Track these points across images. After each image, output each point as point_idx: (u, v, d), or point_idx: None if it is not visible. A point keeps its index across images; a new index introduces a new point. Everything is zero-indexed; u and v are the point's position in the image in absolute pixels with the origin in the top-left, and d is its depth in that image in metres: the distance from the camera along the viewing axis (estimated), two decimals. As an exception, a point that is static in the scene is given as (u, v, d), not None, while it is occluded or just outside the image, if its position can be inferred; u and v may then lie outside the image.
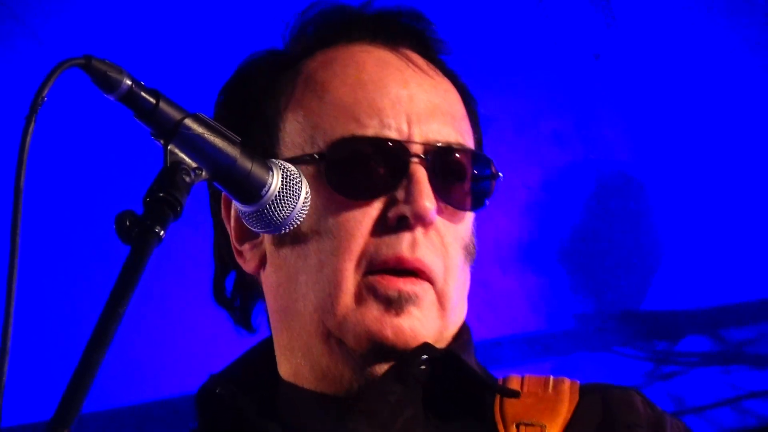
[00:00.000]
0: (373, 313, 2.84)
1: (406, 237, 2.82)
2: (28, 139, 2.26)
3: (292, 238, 2.91)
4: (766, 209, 6.48)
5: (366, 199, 2.87)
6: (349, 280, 2.87)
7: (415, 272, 2.84)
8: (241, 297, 3.13)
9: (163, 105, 2.46)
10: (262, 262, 3.00)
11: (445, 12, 5.22)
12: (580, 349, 6.76)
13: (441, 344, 2.98)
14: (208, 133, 2.56)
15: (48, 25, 5.80)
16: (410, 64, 3.03)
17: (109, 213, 2.38)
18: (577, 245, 6.41)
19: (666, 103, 6.34)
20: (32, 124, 2.26)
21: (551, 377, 3.00)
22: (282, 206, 2.68)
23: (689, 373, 6.83)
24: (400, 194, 2.84)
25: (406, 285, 2.82)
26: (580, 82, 6.38)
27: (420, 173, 2.84)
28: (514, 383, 2.96)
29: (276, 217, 2.69)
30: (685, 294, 6.55)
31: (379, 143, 2.89)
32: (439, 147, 2.90)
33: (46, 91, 2.29)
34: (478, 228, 3.09)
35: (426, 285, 2.85)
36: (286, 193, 2.68)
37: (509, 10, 6.05)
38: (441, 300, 2.89)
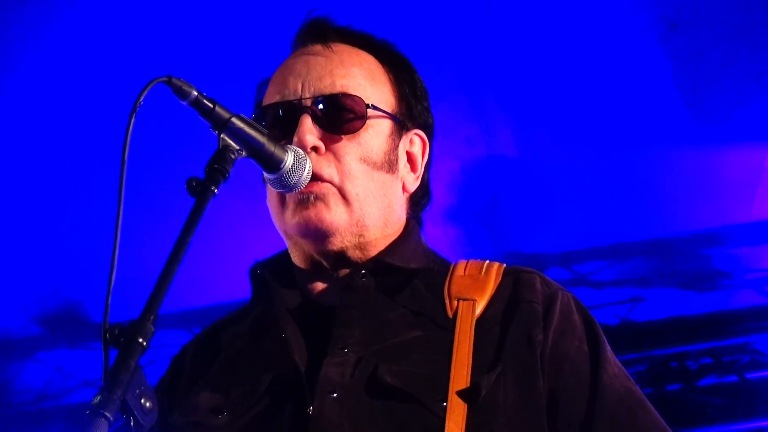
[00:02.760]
0: (294, 213, 3.16)
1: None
2: (130, 130, 2.61)
3: (265, 182, 3.26)
4: (607, 181, 6.92)
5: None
6: (279, 195, 3.23)
7: (318, 179, 3.12)
8: None
9: (217, 108, 2.80)
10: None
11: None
12: None
13: (370, 235, 3.28)
14: (246, 127, 2.87)
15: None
16: (311, 52, 3.33)
17: (180, 178, 2.71)
18: (476, 204, 6.99)
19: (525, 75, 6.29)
20: (132, 120, 2.61)
21: (487, 261, 3.23)
22: (293, 175, 3.03)
23: None
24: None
25: (312, 188, 3.10)
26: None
27: (304, 117, 3.17)
28: (460, 267, 3.21)
29: (289, 182, 3.04)
30: (549, 240, 7.33)
31: (280, 104, 3.26)
32: (323, 96, 3.21)
33: (141, 99, 2.63)
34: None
35: (327, 185, 3.14)
36: (296, 167, 3.03)
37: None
38: (343, 195, 3.18)
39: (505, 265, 3.24)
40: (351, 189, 3.20)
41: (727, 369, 7.94)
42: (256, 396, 3.10)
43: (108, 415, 2.27)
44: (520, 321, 3.08)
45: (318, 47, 3.34)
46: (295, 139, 3.14)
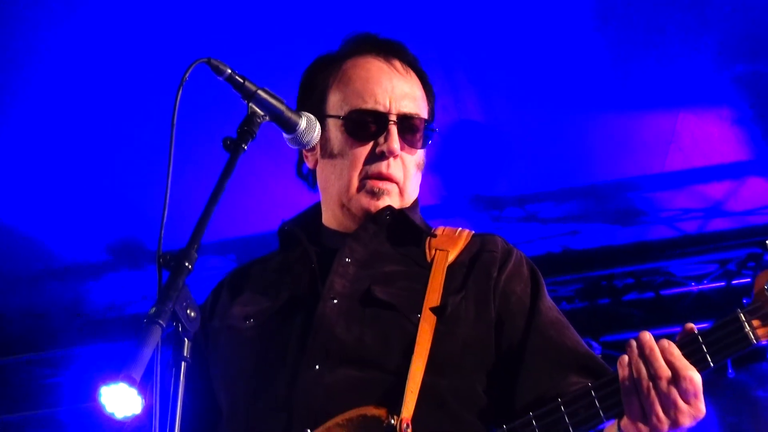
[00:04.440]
0: (365, 198, 3.27)
1: (384, 162, 3.24)
2: (178, 98, 2.70)
3: (329, 155, 3.34)
4: (553, 138, 6.85)
5: (365, 141, 3.27)
6: (354, 181, 3.28)
7: (388, 179, 3.25)
8: (311, 175, 3.50)
9: (247, 83, 2.85)
10: (316, 163, 3.42)
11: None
12: (456, 216, 7.30)
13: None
14: (269, 97, 2.89)
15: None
16: (394, 69, 3.36)
17: (218, 137, 2.76)
18: (450, 158, 6.85)
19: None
20: (180, 90, 2.69)
21: (460, 228, 3.35)
22: (306, 135, 3.04)
23: (510, 226, 7.35)
24: (382, 140, 3.24)
25: (383, 185, 3.25)
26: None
27: (393, 129, 3.24)
28: (440, 229, 3.34)
29: (302, 140, 3.05)
30: (506, 185, 7.28)
31: (373, 112, 3.28)
32: (405, 114, 3.27)
33: (187, 75, 2.72)
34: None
35: (393, 185, 3.26)
36: (308, 129, 3.03)
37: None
38: (401, 193, 3.30)
39: (473, 231, 3.35)
40: (407, 189, 3.32)
41: (646, 287, 7.93)
42: (278, 306, 3.19)
43: (161, 322, 2.34)
44: (482, 263, 3.20)
45: (399, 66, 3.38)
46: (387, 144, 3.23)
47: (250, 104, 2.87)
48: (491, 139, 6.85)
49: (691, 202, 7.43)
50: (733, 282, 7.68)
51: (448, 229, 3.35)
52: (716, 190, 7.29)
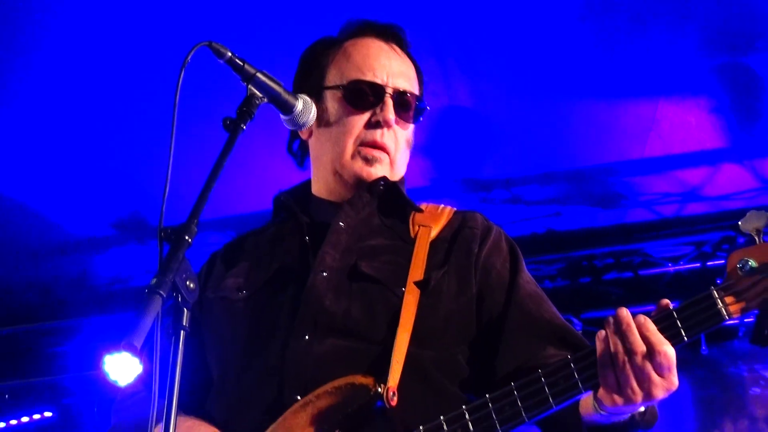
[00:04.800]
0: (359, 164, 3.29)
1: (378, 131, 3.27)
2: (180, 79, 2.69)
3: (326, 125, 3.35)
4: (538, 125, 6.82)
5: (362, 110, 3.30)
6: (349, 148, 3.31)
7: (382, 148, 3.28)
8: (300, 152, 3.55)
9: (246, 66, 2.86)
10: (310, 135, 3.43)
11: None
12: (446, 197, 7.32)
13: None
14: (268, 80, 2.90)
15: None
16: (392, 49, 3.41)
17: (218, 118, 2.75)
18: (441, 142, 6.85)
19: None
20: (182, 72, 2.69)
21: (442, 205, 3.38)
22: (302, 116, 3.06)
23: (497, 207, 7.29)
24: (378, 110, 3.27)
25: (377, 153, 3.27)
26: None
27: (388, 101, 3.27)
28: (423, 206, 3.35)
29: (299, 121, 3.08)
30: (494, 169, 7.27)
31: (371, 83, 3.31)
32: (400, 90, 3.31)
33: (189, 57, 2.72)
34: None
35: (385, 155, 3.29)
36: (304, 110, 3.06)
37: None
38: (392, 162, 3.32)
39: (455, 208, 3.38)
40: (396, 160, 3.35)
41: (625, 267, 7.92)
42: (269, 277, 3.20)
43: (161, 292, 2.33)
44: (463, 239, 3.23)
45: (396, 47, 3.43)
46: (383, 113, 3.27)
47: (249, 86, 2.87)
48: (480, 125, 6.83)
49: (669, 187, 7.42)
50: (708, 263, 7.68)
51: (431, 205, 3.37)
52: (693, 175, 7.29)
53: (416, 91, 3.40)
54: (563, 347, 3.02)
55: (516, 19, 5.95)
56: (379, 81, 3.31)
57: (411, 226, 3.26)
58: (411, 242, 3.20)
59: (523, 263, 3.26)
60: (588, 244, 7.82)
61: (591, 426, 2.85)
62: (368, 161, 3.29)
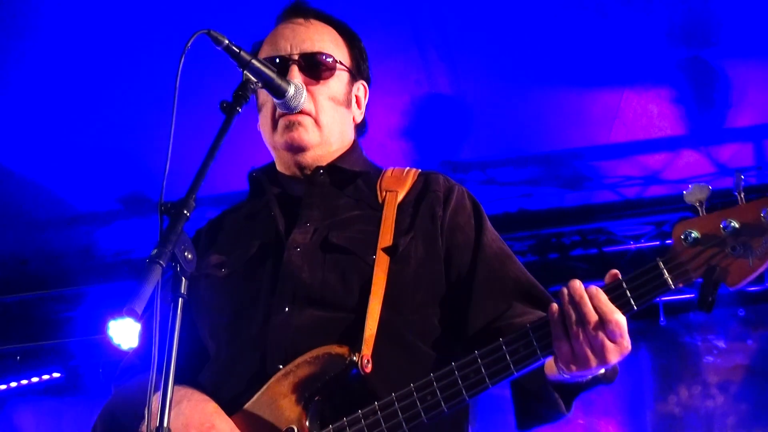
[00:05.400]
0: (282, 133, 3.21)
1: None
2: (181, 64, 2.67)
3: (259, 110, 3.33)
4: (510, 111, 6.79)
5: None
6: (271, 123, 3.24)
7: (300, 111, 3.15)
8: None
9: (242, 53, 2.84)
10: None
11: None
12: None
13: (330, 149, 3.30)
14: (262, 66, 2.89)
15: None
16: (294, 23, 3.31)
17: (215, 101, 2.75)
18: (422, 126, 6.83)
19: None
20: (182, 59, 2.66)
21: (408, 168, 3.30)
22: (293, 100, 3.06)
23: (473, 188, 6.72)
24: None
25: (294, 117, 3.16)
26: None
27: (293, 67, 3.19)
28: (389, 171, 3.30)
29: (291, 105, 3.08)
30: (471, 152, 7.27)
31: (274, 57, 3.23)
32: (306, 53, 3.23)
33: (189, 44, 2.68)
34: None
35: (305, 117, 3.18)
36: (295, 95, 3.06)
37: None
38: (317, 122, 3.21)
39: (420, 170, 3.29)
40: (322, 118, 3.23)
41: (590, 244, 7.94)
42: (249, 255, 3.15)
43: (161, 262, 2.33)
44: (427, 203, 3.13)
45: (300, 20, 3.33)
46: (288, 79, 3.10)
47: (245, 72, 2.85)
48: (458, 112, 6.82)
49: (632, 171, 7.43)
50: (667, 242, 7.68)
51: (396, 169, 3.30)
52: (654, 160, 7.30)
53: (328, 50, 3.29)
54: (528, 302, 3.03)
55: (493, 15, 5.93)
56: (282, 53, 3.23)
57: (378, 192, 3.21)
58: (379, 208, 3.14)
59: (487, 221, 3.20)
60: (556, 222, 7.81)
61: (556, 385, 2.84)
62: (288, 127, 3.20)
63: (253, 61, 2.86)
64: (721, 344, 7.75)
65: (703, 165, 7.31)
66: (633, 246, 7.86)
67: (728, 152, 7.19)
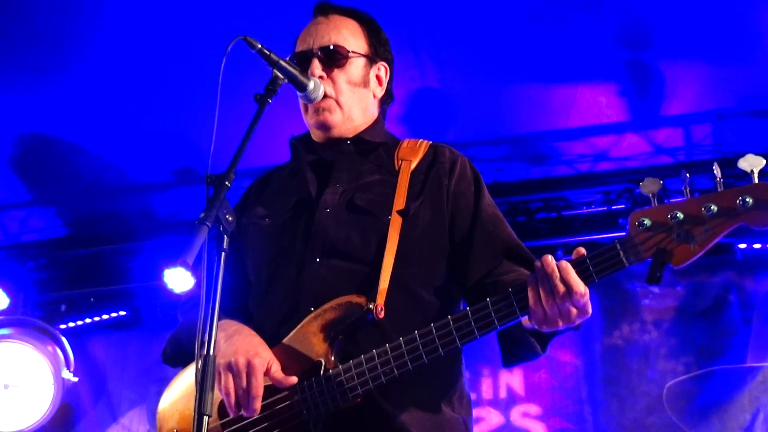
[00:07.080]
0: (312, 116, 3.23)
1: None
2: (223, 64, 2.71)
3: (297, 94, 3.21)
4: (486, 99, 6.68)
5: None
6: (304, 107, 3.26)
7: (324, 95, 3.16)
8: None
9: (272, 55, 2.84)
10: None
11: None
12: None
13: (354, 124, 3.25)
14: (288, 66, 2.89)
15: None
16: (318, 21, 3.28)
17: (250, 94, 2.82)
18: (415, 113, 6.69)
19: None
20: (224, 59, 2.71)
21: (421, 139, 3.25)
22: (313, 93, 3.08)
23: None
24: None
25: (320, 103, 3.16)
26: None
27: (314, 60, 3.17)
28: (405, 141, 3.26)
29: (311, 97, 3.10)
30: (453, 133, 7.06)
31: (300, 52, 3.23)
32: (324, 46, 3.19)
33: (229, 49, 2.71)
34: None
35: (329, 100, 3.17)
36: (314, 89, 3.08)
37: None
38: (339, 104, 3.19)
39: (431, 141, 3.26)
40: (342, 99, 3.21)
41: (552, 209, 7.82)
42: (287, 209, 3.15)
43: (207, 223, 2.36)
44: (435, 173, 3.13)
45: (321, 18, 3.30)
46: (309, 71, 3.14)
47: (274, 70, 2.85)
48: (445, 102, 6.74)
49: (585, 150, 7.33)
50: (612, 207, 7.61)
51: (411, 141, 3.26)
52: (603, 141, 7.22)
53: (342, 41, 3.23)
54: (515, 261, 3.03)
55: (473, 25, 5.86)
56: (305, 47, 3.21)
57: (396, 160, 3.16)
58: (395, 174, 3.11)
59: (485, 188, 3.18)
60: (524, 192, 7.73)
61: (532, 332, 2.86)
62: (317, 111, 3.20)
63: (280, 62, 2.86)
64: (656, 290, 7.70)
65: (642, 146, 7.23)
66: (586, 211, 7.77)
67: (663, 135, 7.12)
